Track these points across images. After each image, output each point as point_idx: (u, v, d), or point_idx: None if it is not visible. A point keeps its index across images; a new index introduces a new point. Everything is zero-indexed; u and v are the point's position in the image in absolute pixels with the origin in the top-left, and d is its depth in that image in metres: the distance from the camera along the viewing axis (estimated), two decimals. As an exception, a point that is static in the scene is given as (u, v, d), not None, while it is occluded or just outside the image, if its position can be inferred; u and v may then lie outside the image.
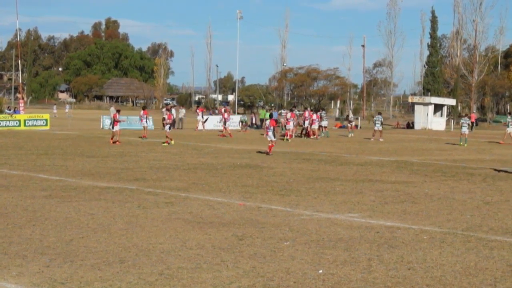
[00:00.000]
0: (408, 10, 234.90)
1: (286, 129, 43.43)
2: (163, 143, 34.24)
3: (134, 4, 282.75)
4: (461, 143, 40.23)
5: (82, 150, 30.11)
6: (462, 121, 42.85)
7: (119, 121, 35.03)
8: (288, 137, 41.48)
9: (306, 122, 43.61)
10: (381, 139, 42.86)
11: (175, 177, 20.61)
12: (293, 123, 43.29)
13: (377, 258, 10.61)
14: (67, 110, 78.90)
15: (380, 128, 44.43)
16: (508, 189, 19.48)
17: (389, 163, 26.85)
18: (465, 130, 40.87)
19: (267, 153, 28.91)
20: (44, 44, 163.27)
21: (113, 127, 34.76)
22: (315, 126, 43.88)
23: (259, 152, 30.07)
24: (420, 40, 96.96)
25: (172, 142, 34.22)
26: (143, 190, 17.60)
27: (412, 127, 64.06)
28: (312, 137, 43.48)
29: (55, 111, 79.73)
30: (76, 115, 74.13)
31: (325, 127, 46.69)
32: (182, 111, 54.82)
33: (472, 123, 62.49)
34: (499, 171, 24.12)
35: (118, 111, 36.00)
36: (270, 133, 29.17)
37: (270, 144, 29.33)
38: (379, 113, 49.12)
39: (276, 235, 12.17)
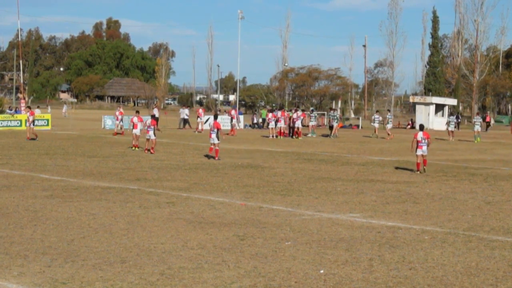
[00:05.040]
0: (410, 10, 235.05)
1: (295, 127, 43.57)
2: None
3: (135, 4, 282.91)
4: (476, 140, 43.48)
5: (83, 150, 30.12)
6: (474, 119, 46.98)
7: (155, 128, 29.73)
8: (298, 135, 42.65)
9: (297, 122, 43.31)
10: (451, 139, 43.48)
11: (177, 177, 20.62)
12: (301, 122, 43.43)
13: (379, 258, 10.61)
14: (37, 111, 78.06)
15: (453, 129, 45.40)
16: (510, 189, 19.47)
17: (390, 163, 26.84)
18: (478, 128, 44.55)
19: (214, 158, 26.37)
20: (46, 44, 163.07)
21: (154, 134, 29.26)
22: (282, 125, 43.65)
23: (206, 156, 27.63)
24: (422, 40, 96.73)
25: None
26: (144, 190, 17.61)
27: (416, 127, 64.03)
28: (294, 136, 43.21)
29: (64, 110, 79.72)
30: (78, 115, 74.15)
31: (330, 126, 46.63)
32: (184, 111, 54.71)
33: (488, 123, 62.42)
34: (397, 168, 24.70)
35: (153, 116, 31.19)
36: (214, 136, 26.39)
37: (211, 147, 26.76)
38: (451, 114, 50.96)
39: (277, 235, 12.18)
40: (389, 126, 46.52)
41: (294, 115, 43.56)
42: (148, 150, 28.85)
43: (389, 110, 55.60)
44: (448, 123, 46.95)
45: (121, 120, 44.84)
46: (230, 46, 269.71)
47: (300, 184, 19.48)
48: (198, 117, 50.02)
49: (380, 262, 10.39)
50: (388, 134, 45.04)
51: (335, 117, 46.60)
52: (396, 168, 24.62)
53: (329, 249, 11.15)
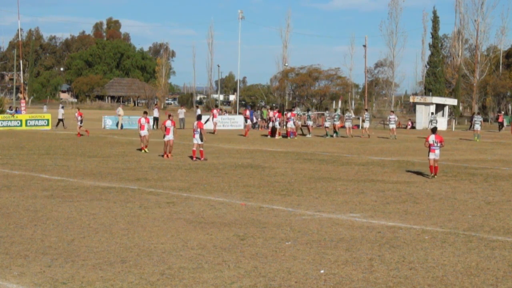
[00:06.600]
0: (410, 10, 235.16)
1: (286, 127, 43.45)
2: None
3: (135, 4, 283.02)
4: (476, 139, 44.28)
5: (83, 150, 30.12)
6: (475, 119, 47.43)
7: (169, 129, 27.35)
8: (293, 135, 42.58)
9: (289, 123, 43.17)
10: None
11: (177, 177, 20.62)
12: (294, 122, 43.24)
13: (379, 258, 10.61)
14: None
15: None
16: (510, 189, 19.47)
17: (390, 163, 26.84)
18: (478, 127, 45.26)
19: (198, 159, 25.91)
20: (46, 44, 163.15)
21: (164, 137, 27.21)
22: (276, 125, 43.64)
23: (190, 157, 26.75)
24: (422, 40, 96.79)
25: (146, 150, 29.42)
26: (144, 190, 17.61)
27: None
28: (277, 136, 42.99)
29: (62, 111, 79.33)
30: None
31: (326, 127, 46.61)
32: (182, 111, 54.60)
33: (501, 123, 62.17)
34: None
35: (169, 116, 28.85)
36: (197, 136, 25.88)
37: (194, 149, 26.15)
38: (433, 113, 51.08)
39: (277, 235, 12.18)
40: (366, 125, 47.04)
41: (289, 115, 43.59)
42: (167, 155, 27.07)
43: (366, 110, 55.76)
44: (431, 122, 47.04)
45: (81, 121, 41.30)
46: (230, 46, 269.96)
47: (300, 184, 19.48)
48: (213, 118, 49.06)
49: (380, 262, 10.39)
50: (364, 133, 45.73)
51: (350, 118, 47.25)
52: (407, 171, 23.69)
53: (329, 249, 11.15)
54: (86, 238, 11.69)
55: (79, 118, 41.32)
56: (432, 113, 53.08)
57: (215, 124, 47.85)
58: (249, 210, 14.79)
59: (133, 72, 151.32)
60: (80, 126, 41.06)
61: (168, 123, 27.41)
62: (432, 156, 21.95)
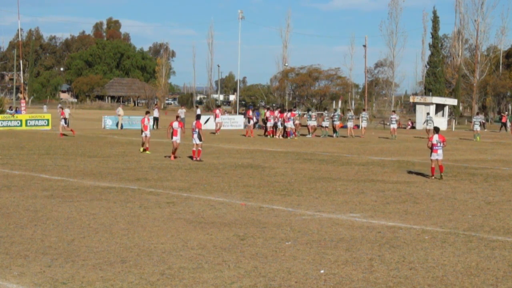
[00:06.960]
0: (410, 10, 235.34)
1: (286, 128, 43.41)
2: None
3: (135, 4, 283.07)
4: (476, 139, 44.91)
5: (83, 150, 30.12)
6: (474, 119, 48.68)
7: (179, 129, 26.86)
8: (293, 135, 42.73)
9: (289, 123, 43.08)
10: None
11: (177, 177, 20.62)
12: (293, 122, 43.23)
13: (379, 258, 10.61)
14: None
15: (431, 127, 45.81)
16: (510, 189, 19.47)
17: (390, 163, 26.84)
18: (477, 127, 46.25)
19: (196, 159, 25.69)
20: (46, 44, 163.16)
21: (172, 137, 26.57)
22: (271, 124, 43.74)
23: (190, 157, 26.71)
24: (422, 40, 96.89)
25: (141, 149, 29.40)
26: (144, 190, 17.61)
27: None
28: (276, 136, 43.04)
29: (58, 110, 79.34)
30: (78, 115, 74.14)
31: (326, 127, 46.62)
32: (182, 111, 54.50)
33: (504, 123, 61.92)
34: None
35: (177, 117, 28.25)
36: (195, 136, 25.77)
37: (194, 149, 26.01)
38: (428, 113, 51.49)
39: (277, 235, 12.18)
40: (364, 124, 48.09)
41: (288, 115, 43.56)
42: (174, 156, 26.61)
43: (364, 109, 56.00)
44: (426, 122, 47.04)
45: (65, 120, 41.08)
46: (230, 46, 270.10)
47: (300, 184, 19.48)
48: (215, 118, 48.75)
49: (380, 262, 10.40)
50: (363, 133, 46.64)
51: (352, 118, 47.98)
52: (408, 171, 23.47)
53: (329, 249, 11.16)
54: (86, 238, 11.69)
55: (61, 117, 40.99)
56: (428, 114, 53.12)
57: (218, 125, 47.55)
58: (249, 210, 14.79)
59: (133, 72, 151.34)
60: (64, 126, 40.85)
61: (175, 124, 26.82)
62: (434, 156, 21.69)
